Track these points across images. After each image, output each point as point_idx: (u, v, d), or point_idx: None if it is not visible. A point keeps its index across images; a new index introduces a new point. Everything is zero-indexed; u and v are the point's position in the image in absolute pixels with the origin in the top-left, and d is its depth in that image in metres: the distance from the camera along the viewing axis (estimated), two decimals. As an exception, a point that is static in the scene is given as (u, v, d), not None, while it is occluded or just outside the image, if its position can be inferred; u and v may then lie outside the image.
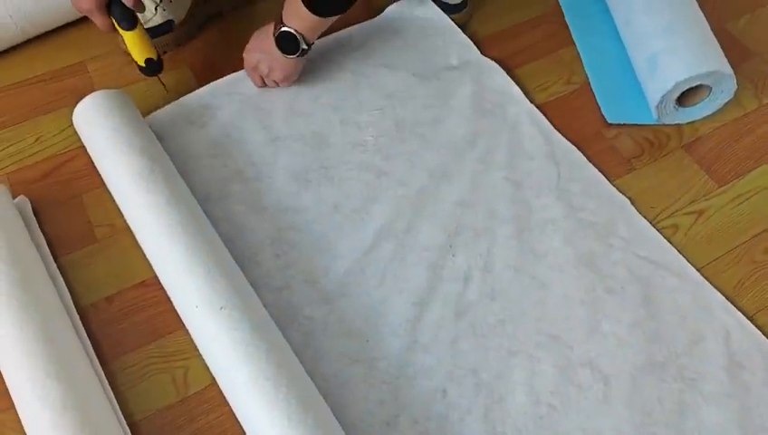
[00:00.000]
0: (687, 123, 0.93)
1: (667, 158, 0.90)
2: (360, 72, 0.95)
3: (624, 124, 0.92)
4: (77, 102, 0.83)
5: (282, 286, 0.76)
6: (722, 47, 0.89)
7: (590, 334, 0.75)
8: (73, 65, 0.96)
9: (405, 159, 0.87)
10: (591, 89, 0.96)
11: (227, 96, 0.92)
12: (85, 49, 0.95)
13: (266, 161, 0.86)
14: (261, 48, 0.88)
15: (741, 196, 0.87)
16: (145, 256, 0.75)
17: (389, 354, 0.73)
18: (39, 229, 0.79)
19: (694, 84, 0.86)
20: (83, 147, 0.84)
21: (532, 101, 0.94)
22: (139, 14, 0.84)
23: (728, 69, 0.86)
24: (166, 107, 0.90)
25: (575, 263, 0.79)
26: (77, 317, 0.73)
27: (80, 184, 0.84)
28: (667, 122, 0.92)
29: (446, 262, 0.79)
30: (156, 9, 0.95)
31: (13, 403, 0.65)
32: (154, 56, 0.87)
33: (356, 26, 1.01)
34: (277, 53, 0.86)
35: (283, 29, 0.82)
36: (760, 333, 0.75)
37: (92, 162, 0.83)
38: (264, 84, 0.93)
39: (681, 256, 0.81)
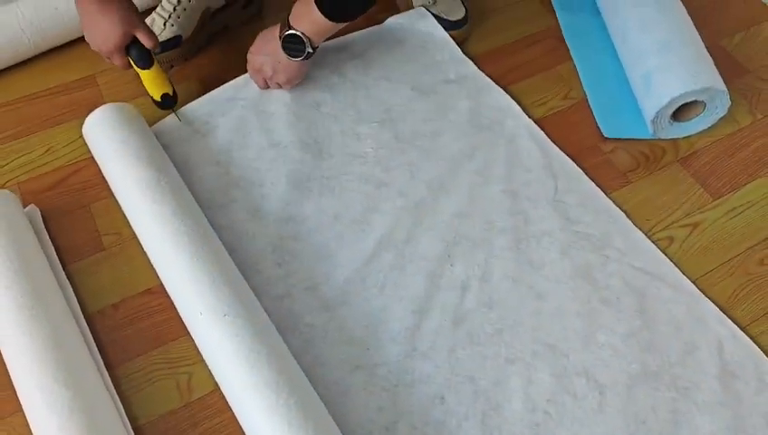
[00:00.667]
0: (683, 138, 0.95)
1: (663, 171, 0.92)
2: (360, 84, 0.98)
3: (620, 139, 0.94)
4: (87, 115, 0.86)
5: (283, 295, 0.78)
6: (717, 64, 0.91)
7: (585, 344, 0.76)
8: (83, 78, 0.98)
9: (404, 171, 0.89)
10: (589, 104, 0.98)
11: (230, 102, 0.94)
12: (95, 63, 0.97)
13: (268, 167, 0.88)
14: (266, 50, 0.89)
15: (735, 209, 0.88)
16: (151, 264, 0.77)
17: (389, 361, 0.74)
18: (48, 238, 0.81)
19: (688, 100, 0.88)
20: (92, 158, 0.87)
21: (530, 116, 0.96)
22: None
23: (722, 85, 0.88)
24: (171, 116, 0.93)
25: (571, 274, 0.81)
26: (84, 323, 0.75)
27: (88, 194, 0.86)
28: (662, 137, 0.94)
29: (444, 271, 0.81)
30: (164, 24, 0.98)
31: (21, 407, 0.67)
32: (169, 91, 0.90)
33: (357, 33, 1.03)
34: (282, 55, 0.87)
35: (290, 31, 0.84)
36: (753, 343, 0.76)
37: (101, 173, 0.85)
38: (267, 86, 0.94)
39: (676, 267, 0.82)
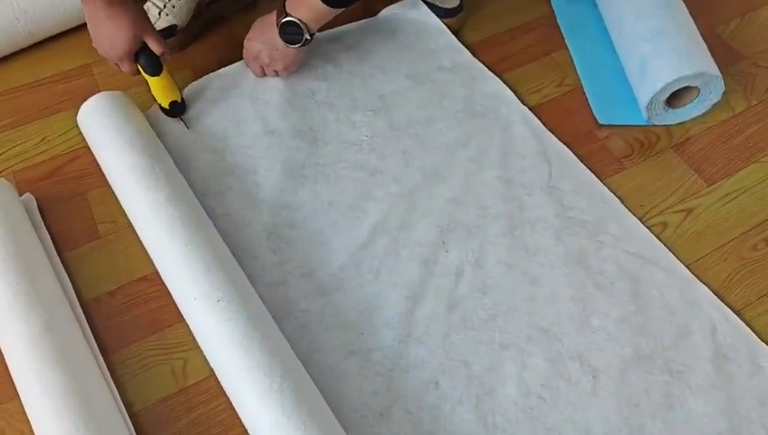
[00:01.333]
0: (677, 124, 0.95)
1: (657, 157, 0.92)
2: (355, 73, 0.98)
3: (615, 125, 0.94)
4: (82, 104, 0.85)
5: (278, 281, 0.78)
6: (712, 50, 0.91)
7: (579, 328, 0.76)
8: (79, 68, 0.98)
9: (399, 159, 0.89)
10: (583, 91, 0.98)
11: (224, 90, 0.94)
12: (90, 52, 0.96)
13: (263, 155, 0.89)
14: (262, 38, 0.89)
15: (729, 195, 0.88)
16: (146, 252, 0.77)
17: (383, 346, 0.75)
18: (44, 226, 0.81)
19: (682, 85, 0.89)
20: (87, 147, 0.87)
21: (524, 103, 0.96)
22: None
23: (716, 70, 0.88)
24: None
25: (566, 259, 0.81)
26: (80, 311, 0.75)
27: (84, 182, 0.87)
28: (657, 123, 0.94)
29: (438, 258, 0.81)
30: (159, 14, 0.98)
31: (17, 393, 0.67)
32: (178, 98, 0.89)
33: (352, 25, 1.03)
34: (279, 43, 0.87)
35: (288, 18, 0.84)
36: (745, 326, 0.77)
37: (96, 162, 0.85)
38: (264, 74, 0.94)
39: (670, 252, 0.82)
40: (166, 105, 0.89)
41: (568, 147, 0.91)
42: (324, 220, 0.83)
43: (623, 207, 0.86)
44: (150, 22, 0.85)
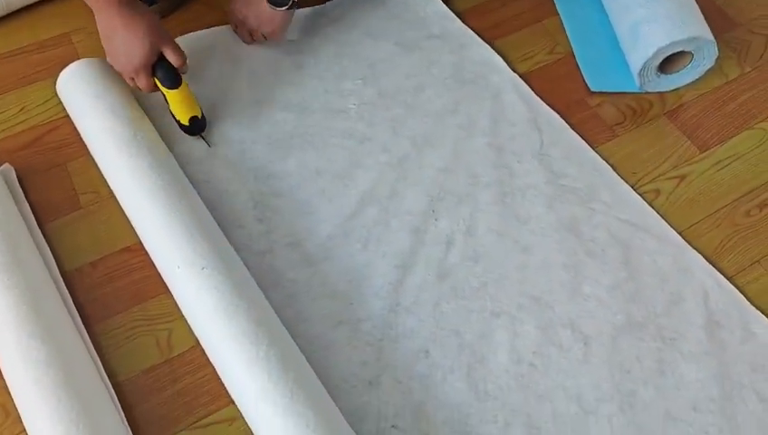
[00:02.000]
0: (670, 91, 0.93)
1: (650, 124, 0.91)
2: (343, 42, 0.96)
3: (607, 92, 0.93)
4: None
5: (265, 250, 0.77)
6: (706, 17, 0.90)
7: (571, 296, 0.76)
8: (58, 36, 0.95)
9: (388, 127, 0.87)
10: (575, 58, 0.96)
11: (210, 59, 0.92)
12: (69, 20, 0.95)
13: (249, 123, 0.86)
14: (248, 2, 0.87)
15: (722, 161, 0.87)
16: (129, 222, 0.76)
17: (373, 316, 0.73)
18: (24, 197, 0.79)
19: (675, 50, 0.87)
20: (68, 117, 0.85)
21: (515, 71, 0.94)
22: None
23: (709, 35, 0.87)
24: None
25: (557, 227, 0.80)
26: (62, 282, 0.73)
27: (64, 153, 0.84)
28: (649, 90, 0.93)
29: (428, 226, 0.80)
30: (140, -20, 0.95)
31: (-2, 366, 0.65)
32: (198, 114, 0.82)
33: None
34: (266, 5, 0.85)
35: None
36: (738, 291, 0.76)
37: (77, 132, 0.83)
38: (253, 40, 0.92)
39: (662, 219, 0.81)
40: (185, 121, 0.82)
41: (559, 114, 0.90)
42: (311, 189, 0.82)
43: (615, 174, 0.85)
44: (168, 32, 0.79)
